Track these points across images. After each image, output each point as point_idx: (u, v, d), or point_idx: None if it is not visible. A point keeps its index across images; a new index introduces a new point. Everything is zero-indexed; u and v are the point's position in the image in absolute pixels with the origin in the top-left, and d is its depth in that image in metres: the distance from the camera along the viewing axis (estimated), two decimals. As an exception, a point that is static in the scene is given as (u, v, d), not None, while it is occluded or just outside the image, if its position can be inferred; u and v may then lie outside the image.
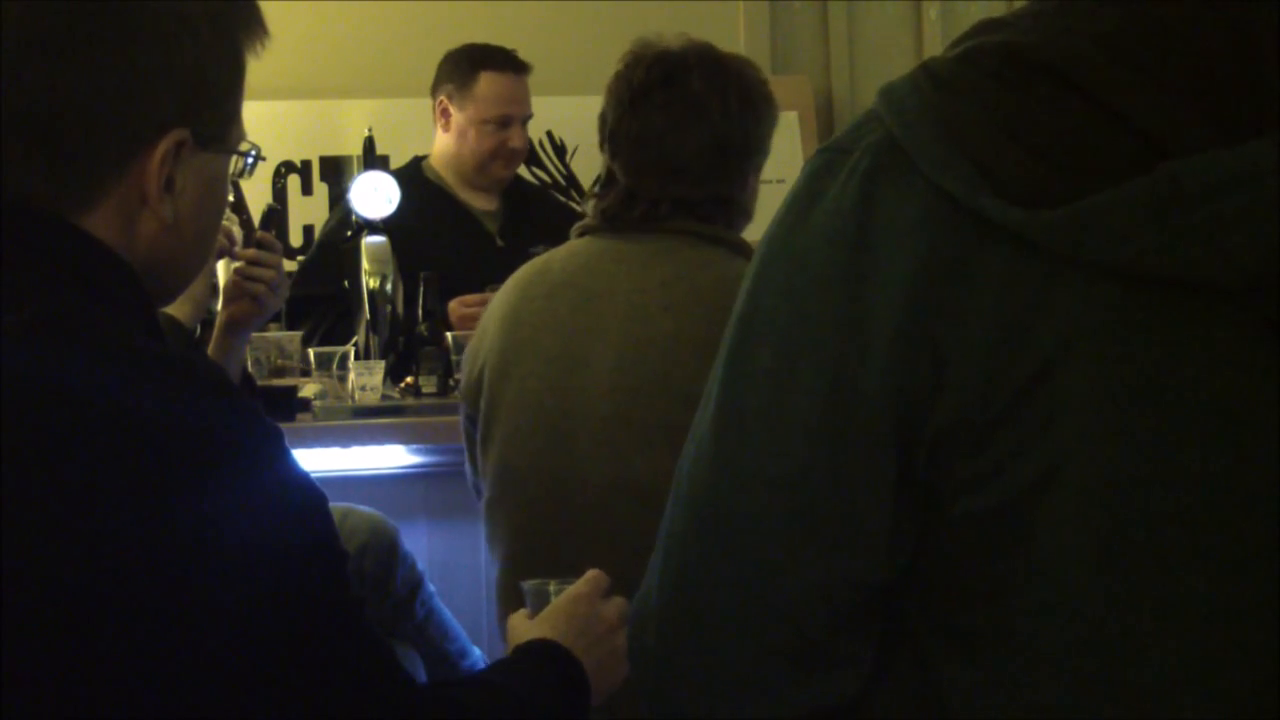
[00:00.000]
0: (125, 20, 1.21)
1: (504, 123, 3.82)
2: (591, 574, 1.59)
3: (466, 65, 3.84)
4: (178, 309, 2.39)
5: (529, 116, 3.87)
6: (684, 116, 2.11)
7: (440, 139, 3.90)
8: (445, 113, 3.86)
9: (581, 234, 2.21)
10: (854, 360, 1.00)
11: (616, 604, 1.55)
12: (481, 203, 3.90)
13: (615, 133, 2.15)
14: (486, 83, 3.82)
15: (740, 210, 2.19)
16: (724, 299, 2.02)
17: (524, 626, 1.53)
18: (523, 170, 4.13)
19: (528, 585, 1.64)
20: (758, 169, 2.21)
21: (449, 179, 3.89)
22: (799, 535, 1.03)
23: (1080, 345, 0.97)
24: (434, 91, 3.89)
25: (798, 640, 1.05)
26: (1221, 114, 0.97)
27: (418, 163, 3.92)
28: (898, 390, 1.00)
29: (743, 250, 2.14)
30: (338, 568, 1.19)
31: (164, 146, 1.22)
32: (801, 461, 1.02)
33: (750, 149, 2.17)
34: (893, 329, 0.99)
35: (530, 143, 3.94)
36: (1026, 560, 1.00)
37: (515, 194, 3.97)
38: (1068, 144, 0.98)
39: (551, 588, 1.61)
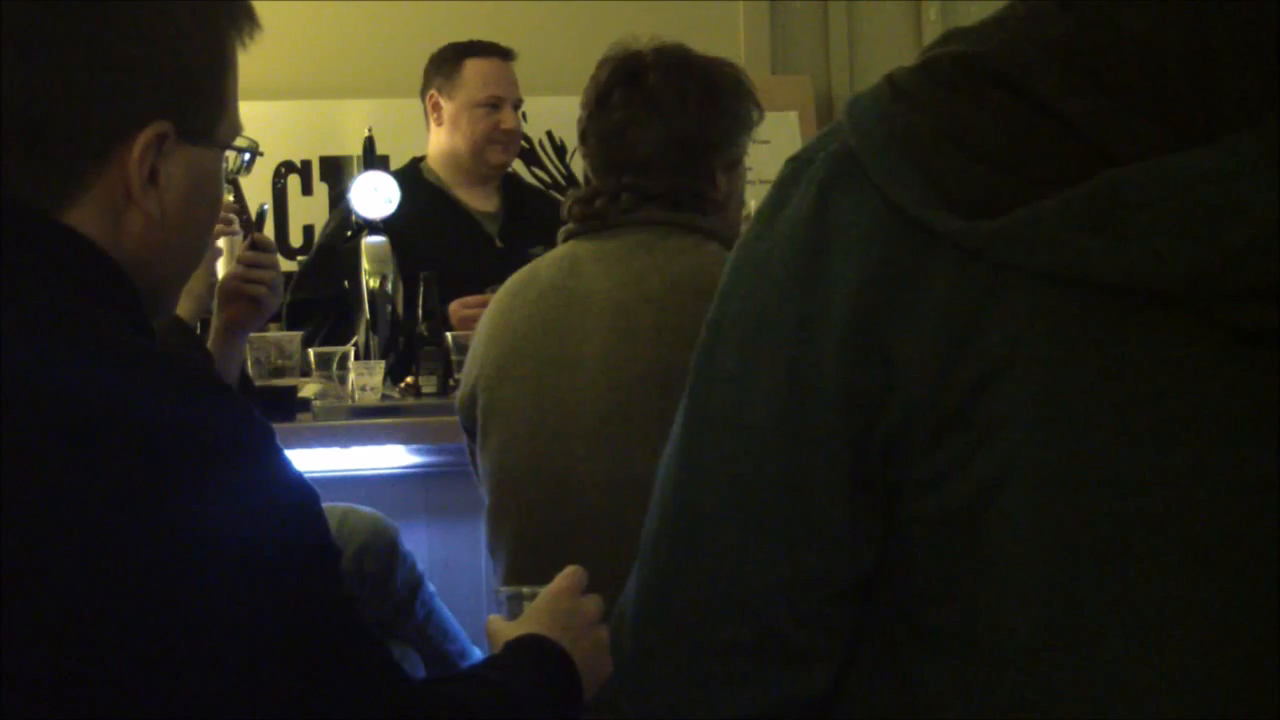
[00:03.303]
0: (102, 12, 1.20)
1: (494, 105, 3.83)
2: (569, 570, 1.61)
3: (451, 56, 3.88)
4: (178, 305, 2.38)
5: (519, 101, 3.88)
6: (641, 112, 2.16)
7: (434, 136, 3.90)
8: (436, 106, 3.87)
9: (565, 239, 2.24)
10: (808, 363, 1.03)
11: (595, 599, 1.58)
12: (481, 204, 3.89)
13: (584, 133, 2.23)
14: (472, 68, 3.85)
15: (713, 205, 2.20)
16: (702, 282, 2.05)
17: (506, 628, 1.53)
18: (523, 170, 4.13)
19: (503, 592, 1.69)
20: (729, 166, 2.23)
21: (447, 178, 3.88)
22: (759, 533, 1.05)
23: (1026, 350, 0.98)
24: (423, 92, 3.90)
25: (762, 636, 1.07)
26: (1173, 119, 0.97)
27: (416, 164, 3.92)
28: (849, 392, 1.02)
29: (716, 235, 2.16)
30: (331, 565, 1.19)
31: (144, 138, 1.21)
32: (761, 461, 1.04)
33: (713, 144, 2.19)
34: (843, 333, 1.01)
35: (530, 142, 3.94)
36: (983, 560, 1.01)
37: (514, 195, 3.97)
38: (1016, 152, 0.98)
39: (525, 591, 1.65)
